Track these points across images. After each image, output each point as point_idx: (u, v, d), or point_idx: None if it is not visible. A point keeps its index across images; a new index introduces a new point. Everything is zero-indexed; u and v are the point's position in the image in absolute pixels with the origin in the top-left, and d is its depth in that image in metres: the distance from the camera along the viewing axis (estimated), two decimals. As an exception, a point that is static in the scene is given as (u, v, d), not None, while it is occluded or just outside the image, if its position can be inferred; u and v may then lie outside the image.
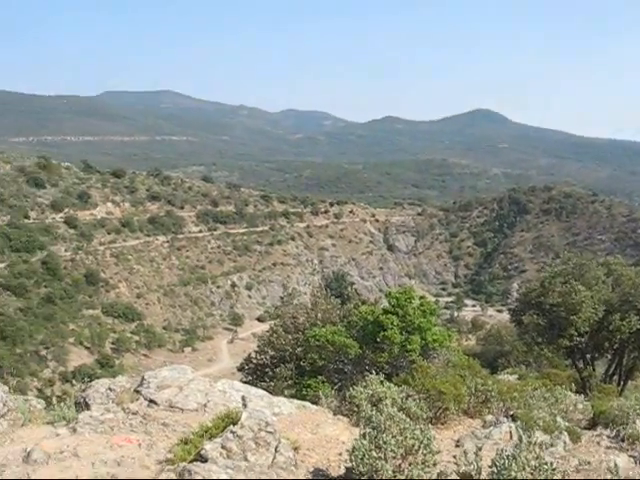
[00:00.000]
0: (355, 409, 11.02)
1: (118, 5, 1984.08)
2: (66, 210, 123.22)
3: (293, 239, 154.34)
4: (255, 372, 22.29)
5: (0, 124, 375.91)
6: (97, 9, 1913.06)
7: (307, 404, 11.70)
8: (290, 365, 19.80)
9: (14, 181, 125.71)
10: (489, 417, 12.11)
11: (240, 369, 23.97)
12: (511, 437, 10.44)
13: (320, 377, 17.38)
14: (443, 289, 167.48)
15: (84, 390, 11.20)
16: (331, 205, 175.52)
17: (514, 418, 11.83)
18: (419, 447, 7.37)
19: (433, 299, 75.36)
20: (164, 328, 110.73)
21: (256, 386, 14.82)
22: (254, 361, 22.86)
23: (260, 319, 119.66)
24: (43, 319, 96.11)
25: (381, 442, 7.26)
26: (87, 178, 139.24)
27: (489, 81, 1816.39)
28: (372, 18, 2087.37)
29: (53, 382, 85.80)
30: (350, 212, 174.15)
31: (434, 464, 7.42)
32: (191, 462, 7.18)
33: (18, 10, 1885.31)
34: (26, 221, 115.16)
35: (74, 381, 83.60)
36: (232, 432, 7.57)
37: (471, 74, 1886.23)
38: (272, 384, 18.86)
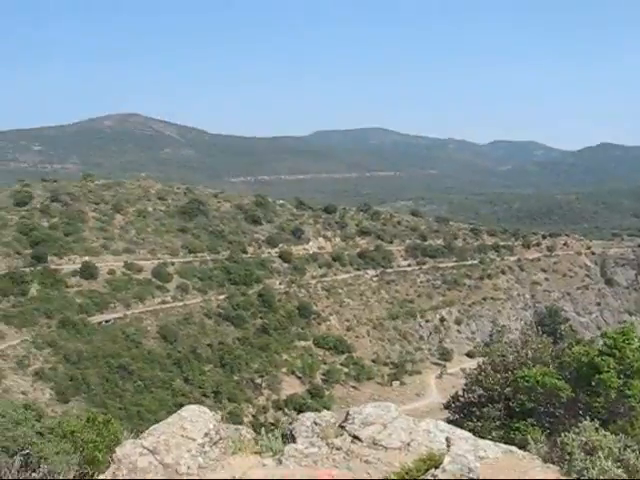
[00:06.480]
0: (567, 457, 10.38)
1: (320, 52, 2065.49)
2: (281, 245, 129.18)
3: (504, 273, 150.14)
4: (462, 411, 21.75)
5: (222, 165, 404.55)
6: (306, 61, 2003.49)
7: (514, 449, 11.18)
8: (498, 405, 19.11)
9: (234, 218, 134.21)
10: None
11: (447, 407, 23.52)
12: None
13: (530, 420, 16.60)
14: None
15: (291, 423, 11.53)
16: (544, 237, 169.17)
17: None
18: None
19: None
20: (373, 361, 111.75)
21: (462, 426, 14.44)
22: (461, 399, 22.34)
23: (470, 355, 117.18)
24: (258, 349, 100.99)
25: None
26: (300, 214, 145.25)
27: None
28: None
29: (267, 409, 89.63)
30: (564, 244, 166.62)
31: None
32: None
33: (231, 63, 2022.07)
34: (244, 256, 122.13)
35: (286, 409, 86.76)
36: (433, 475, 7.43)
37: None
38: (479, 424, 18.30)
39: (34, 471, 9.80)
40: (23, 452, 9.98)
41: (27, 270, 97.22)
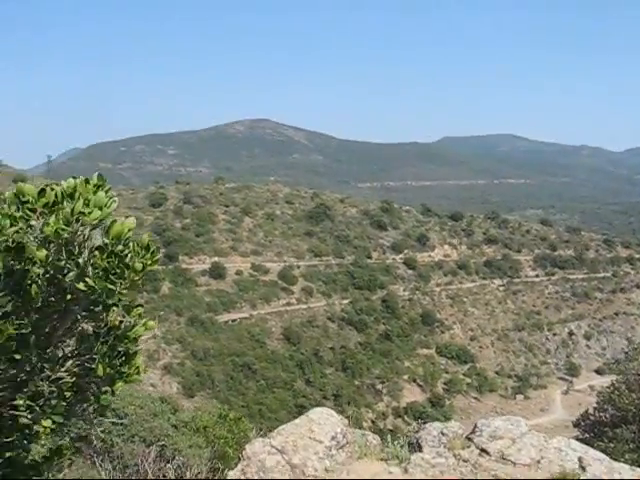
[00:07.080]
0: None
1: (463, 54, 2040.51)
2: (406, 251, 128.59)
3: (638, 287, 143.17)
4: (592, 430, 20.91)
5: (349, 171, 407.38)
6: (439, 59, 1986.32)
7: (652, 474, 10.63)
8: (633, 427, 18.24)
9: (359, 223, 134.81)
10: None
11: (576, 425, 22.66)
12: None
13: (668, 444, 15.75)
14: None
15: (417, 431, 11.43)
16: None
17: None
18: None
19: None
20: (496, 373, 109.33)
21: (593, 446, 13.86)
22: (592, 418, 21.47)
23: (599, 371, 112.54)
24: (380, 354, 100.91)
25: None
26: (426, 221, 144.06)
27: None
28: None
29: (386, 415, 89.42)
30: None
31: None
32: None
33: (360, 69, 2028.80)
34: (368, 261, 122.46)
35: (406, 417, 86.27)
36: (566, 496, 7.18)
37: None
38: (611, 445, 17.53)
39: (168, 462, 10.20)
40: (159, 443, 10.45)
41: (160, 268, 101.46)
